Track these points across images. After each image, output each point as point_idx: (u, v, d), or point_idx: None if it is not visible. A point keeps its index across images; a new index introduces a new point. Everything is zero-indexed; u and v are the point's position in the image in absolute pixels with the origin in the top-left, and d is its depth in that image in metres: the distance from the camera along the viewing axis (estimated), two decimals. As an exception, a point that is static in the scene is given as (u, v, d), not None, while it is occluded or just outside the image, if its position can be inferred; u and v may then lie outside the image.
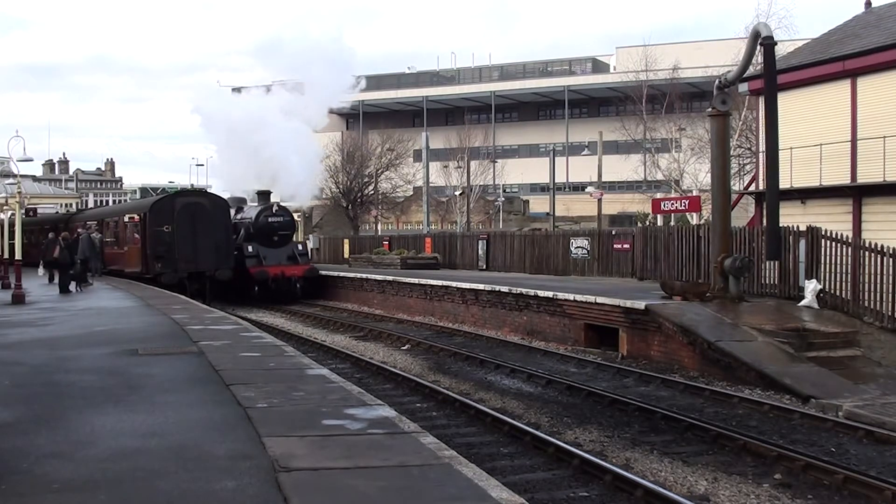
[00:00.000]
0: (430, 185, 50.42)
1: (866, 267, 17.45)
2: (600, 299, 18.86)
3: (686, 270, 22.34)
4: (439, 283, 26.44)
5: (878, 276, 17.08)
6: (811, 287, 18.14)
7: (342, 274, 34.60)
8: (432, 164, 52.34)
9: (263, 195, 36.73)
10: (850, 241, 18.27)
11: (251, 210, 35.95)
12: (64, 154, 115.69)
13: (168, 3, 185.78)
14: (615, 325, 18.55)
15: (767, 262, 19.58)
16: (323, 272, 35.21)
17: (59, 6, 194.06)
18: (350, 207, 59.63)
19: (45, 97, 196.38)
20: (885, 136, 19.32)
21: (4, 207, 31.53)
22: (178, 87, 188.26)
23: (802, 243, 18.89)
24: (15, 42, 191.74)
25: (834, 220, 20.05)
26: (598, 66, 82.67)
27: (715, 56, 51.97)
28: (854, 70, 20.55)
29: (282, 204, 36.17)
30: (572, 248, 27.73)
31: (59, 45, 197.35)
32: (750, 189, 27.63)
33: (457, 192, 59.44)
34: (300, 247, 35.43)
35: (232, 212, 34.97)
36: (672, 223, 30.72)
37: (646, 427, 11.73)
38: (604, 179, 43.42)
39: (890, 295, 16.82)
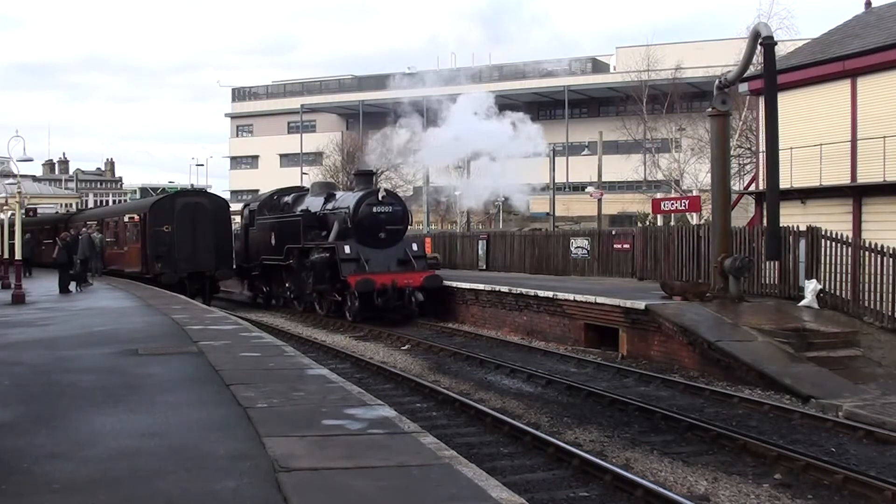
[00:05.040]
0: (430, 185, 50.41)
1: (866, 267, 17.45)
2: (600, 299, 18.86)
3: (686, 270, 22.33)
4: (439, 283, 26.36)
5: (878, 276, 17.09)
6: (811, 287, 18.15)
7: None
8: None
9: (364, 177, 28.39)
10: (850, 241, 18.27)
11: (347, 198, 27.29)
12: (64, 154, 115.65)
13: (161, 2, 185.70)
14: (615, 325, 18.54)
15: (767, 262, 19.58)
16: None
17: (52, 5, 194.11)
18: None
19: (42, 97, 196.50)
20: (885, 136, 19.32)
21: (4, 207, 31.50)
22: (175, 86, 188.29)
23: (802, 243, 18.89)
24: (10, 41, 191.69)
25: (834, 220, 20.05)
26: (598, 66, 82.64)
27: (715, 56, 51.94)
28: (854, 70, 20.55)
29: (390, 189, 27.32)
30: (572, 248, 27.73)
31: (53, 44, 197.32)
32: (750, 189, 27.63)
33: (457, 192, 59.43)
34: (415, 246, 26.52)
35: (319, 200, 28.49)
36: (672, 223, 30.74)
37: (646, 427, 11.72)
38: (604, 179, 43.45)
39: (890, 295, 16.83)
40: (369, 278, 23.99)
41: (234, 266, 32.92)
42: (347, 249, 25.00)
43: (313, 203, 28.88)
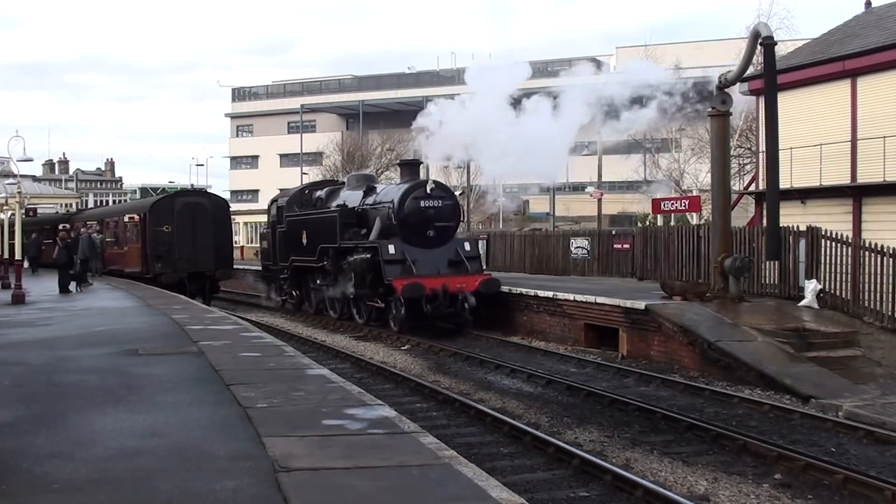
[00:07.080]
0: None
1: (866, 267, 17.46)
2: (600, 299, 18.87)
3: (686, 270, 22.34)
4: (439, 283, 26.27)
5: (878, 276, 17.09)
6: (811, 287, 18.15)
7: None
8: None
9: (409, 167, 24.69)
10: (850, 241, 18.27)
11: (390, 191, 24.16)
12: (64, 154, 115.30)
13: (160, 2, 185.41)
14: (615, 325, 18.55)
15: (767, 262, 19.58)
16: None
17: (51, 5, 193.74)
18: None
19: (41, 96, 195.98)
20: (885, 136, 19.33)
21: (4, 207, 31.52)
22: (174, 86, 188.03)
23: (802, 243, 18.90)
24: (9, 41, 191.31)
25: (834, 220, 20.06)
26: (598, 66, 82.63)
27: (716, 56, 51.94)
28: (854, 70, 20.56)
29: (438, 181, 24.51)
30: (572, 248, 27.72)
31: (52, 44, 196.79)
32: (750, 189, 27.63)
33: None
34: (467, 246, 23.35)
35: (358, 194, 25.36)
36: (672, 223, 30.74)
37: (646, 427, 11.73)
38: (604, 179, 43.46)
39: (890, 295, 16.82)
40: (418, 282, 21.05)
41: (261, 267, 31.86)
42: (392, 249, 22.03)
43: (350, 197, 25.66)
